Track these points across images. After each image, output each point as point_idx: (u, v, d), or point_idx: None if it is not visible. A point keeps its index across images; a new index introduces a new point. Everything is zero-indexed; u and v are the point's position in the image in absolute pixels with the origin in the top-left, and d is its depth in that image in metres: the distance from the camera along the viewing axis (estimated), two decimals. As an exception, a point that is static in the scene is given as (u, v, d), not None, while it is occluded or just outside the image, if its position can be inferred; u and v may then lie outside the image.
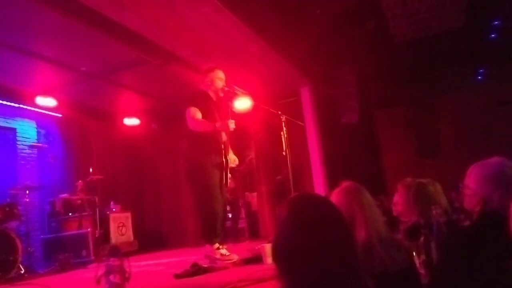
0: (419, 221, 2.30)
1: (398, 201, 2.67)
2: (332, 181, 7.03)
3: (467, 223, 2.33)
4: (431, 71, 8.09)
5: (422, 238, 2.07)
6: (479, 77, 8.72)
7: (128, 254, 5.99)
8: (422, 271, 1.94)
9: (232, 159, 4.11)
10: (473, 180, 1.83)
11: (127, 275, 1.71)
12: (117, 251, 1.75)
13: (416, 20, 6.23)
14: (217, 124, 3.84)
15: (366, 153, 8.30)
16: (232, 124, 3.86)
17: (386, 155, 9.67)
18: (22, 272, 4.95)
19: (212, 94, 4.11)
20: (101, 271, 1.72)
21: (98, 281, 1.71)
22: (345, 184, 1.89)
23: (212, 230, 3.81)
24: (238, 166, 4.56)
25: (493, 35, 6.88)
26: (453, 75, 8.33)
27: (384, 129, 9.75)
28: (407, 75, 8.02)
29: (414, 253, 1.99)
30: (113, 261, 1.71)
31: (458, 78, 8.53)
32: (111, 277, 1.68)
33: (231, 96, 4.32)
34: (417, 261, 1.99)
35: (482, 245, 1.40)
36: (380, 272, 1.60)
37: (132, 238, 7.19)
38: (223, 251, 3.83)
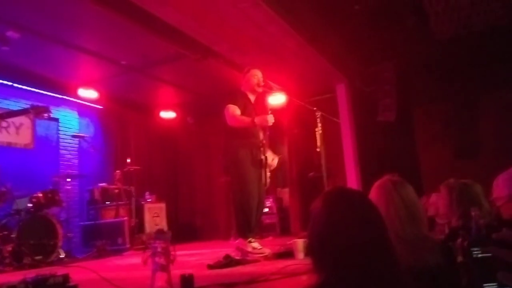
0: (459, 222, 2.25)
1: (440, 203, 2.61)
2: (366, 180, 6.93)
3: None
4: (473, 69, 7.81)
5: (459, 240, 2.04)
6: (524, 76, 8.35)
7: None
8: (461, 272, 1.91)
9: (271, 158, 4.14)
10: (503, 187, 1.78)
11: (171, 257, 1.78)
12: (163, 235, 1.83)
13: (459, 17, 6.03)
14: (256, 119, 3.89)
15: (403, 152, 8.13)
16: (271, 119, 3.90)
17: (424, 154, 9.42)
18: (62, 256, 5.17)
19: (250, 95, 4.18)
20: (147, 253, 1.80)
21: (145, 262, 1.79)
22: (383, 178, 1.89)
23: (246, 225, 3.86)
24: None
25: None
26: (496, 73, 8.02)
27: (423, 127, 9.49)
28: (448, 73, 7.78)
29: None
30: (159, 244, 1.78)
31: (500, 77, 8.20)
32: (157, 258, 1.76)
33: (267, 91, 4.36)
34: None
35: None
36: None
37: (166, 228, 7.33)
38: (255, 244, 3.87)
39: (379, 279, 0.99)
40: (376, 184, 1.88)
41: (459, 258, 2.01)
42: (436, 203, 3.40)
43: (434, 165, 8.80)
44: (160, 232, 1.87)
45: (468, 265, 1.95)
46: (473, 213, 2.12)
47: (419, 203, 1.83)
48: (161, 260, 1.76)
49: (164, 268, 1.76)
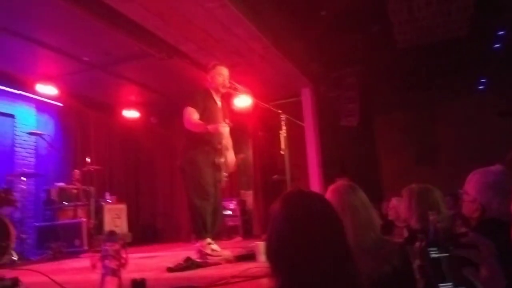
0: (417, 225, 2.30)
1: (401, 206, 2.67)
2: (329, 183, 7.03)
3: (463, 229, 2.34)
4: (433, 78, 8.09)
5: (417, 243, 2.07)
6: (481, 86, 8.73)
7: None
8: (417, 276, 1.94)
9: (230, 159, 4.09)
10: (473, 186, 1.83)
11: (123, 260, 1.70)
12: (114, 236, 1.74)
13: (421, 27, 6.21)
14: (209, 127, 3.83)
15: (364, 157, 8.29)
16: (224, 128, 3.85)
17: (385, 160, 9.67)
18: (15, 258, 4.94)
19: (213, 92, 4.10)
20: (97, 256, 1.71)
21: (93, 266, 1.70)
22: (337, 183, 1.88)
23: (201, 226, 3.81)
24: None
25: (496, 45, 6.88)
26: (455, 83, 8.33)
27: (384, 134, 9.75)
28: (408, 81, 8.02)
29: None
30: (110, 246, 1.70)
31: (459, 86, 8.53)
32: (107, 262, 1.67)
33: (232, 93, 4.30)
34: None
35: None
36: None
37: (126, 230, 7.16)
38: (215, 246, 3.82)
39: (337, 282, 0.98)
40: (331, 188, 1.87)
41: (417, 262, 2.05)
42: (396, 207, 3.48)
43: (395, 171, 9.04)
44: (111, 234, 1.78)
45: (425, 268, 1.98)
46: (430, 217, 2.18)
47: (372, 207, 1.85)
48: (111, 264, 1.67)
49: (115, 272, 1.67)
